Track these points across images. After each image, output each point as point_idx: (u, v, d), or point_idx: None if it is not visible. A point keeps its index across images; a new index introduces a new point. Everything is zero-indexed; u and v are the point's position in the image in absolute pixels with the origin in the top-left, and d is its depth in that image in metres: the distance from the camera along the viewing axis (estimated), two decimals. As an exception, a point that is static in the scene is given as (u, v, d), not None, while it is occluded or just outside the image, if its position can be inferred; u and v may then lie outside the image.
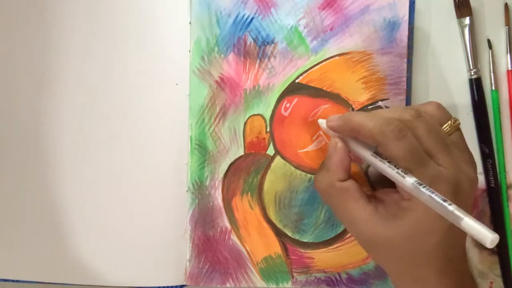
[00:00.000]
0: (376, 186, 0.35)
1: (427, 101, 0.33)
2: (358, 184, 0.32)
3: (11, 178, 0.37)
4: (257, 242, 0.37)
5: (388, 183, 0.36)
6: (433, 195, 0.26)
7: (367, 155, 0.31)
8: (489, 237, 0.23)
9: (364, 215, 0.31)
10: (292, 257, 0.37)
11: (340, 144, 0.32)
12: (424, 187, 0.27)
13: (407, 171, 0.28)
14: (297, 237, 0.37)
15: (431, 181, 0.28)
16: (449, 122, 0.31)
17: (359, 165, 0.36)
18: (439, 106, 0.32)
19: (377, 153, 0.30)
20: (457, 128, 0.31)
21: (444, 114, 0.32)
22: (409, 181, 0.28)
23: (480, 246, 0.38)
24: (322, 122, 0.34)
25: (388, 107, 0.36)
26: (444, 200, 0.26)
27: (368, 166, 0.36)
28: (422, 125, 0.30)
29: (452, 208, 0.25)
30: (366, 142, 0.31)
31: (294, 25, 0.36)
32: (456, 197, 0.29)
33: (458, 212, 0.25)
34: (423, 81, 0.37)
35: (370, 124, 0.29)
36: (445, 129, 0.31)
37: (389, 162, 0.29)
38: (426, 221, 0.29)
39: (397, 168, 0.29)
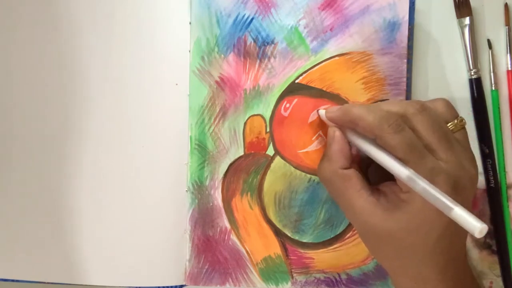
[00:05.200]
0: None
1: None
2: (360, 174, 0.32)
3: (12, 177, 0.37)
4: (257, 242, 0.37)
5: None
6: (427, 186, 0.26)
7: (365, 145, 0.31)
8: (478, 227, 0.23)
9: (365, 205, 0.31)
10: (292, 257, 0.37)
11: (338, 132, 0.33)
12: (419, 178, 0.27)
13: (405, 162, 0.28)
14: (296, 238, 0.37)
15: (429, 174, 0.28)
16: (455, 120, 0.31)
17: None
18: (448, 104, 0.32)
19: (376, 144, 0.30)
20: (462, 127, 0.31)
21: (451, 111, 0.32)
22: (404, 171, 0.28)
23: (480, 246, 0.38)
24: (322, 113, 0.34)
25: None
26: (437, 190, 0.26)
27: (367, 168, 0.36)
28: (425, 119, 0.30)
29: (443, 197, 0.25)
30: (364, 134, 0.31)
31: (294, 25, 0.36)
32: (456, 191, 0.28)
33: (449, 202, 0.25)
34: (423, 81, 0.37)
35: (369, 117, 0.30)
36: (450, 127, 0.31)
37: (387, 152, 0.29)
38: (425, 214, 0.29)
39: (395, 159, 0.29)
